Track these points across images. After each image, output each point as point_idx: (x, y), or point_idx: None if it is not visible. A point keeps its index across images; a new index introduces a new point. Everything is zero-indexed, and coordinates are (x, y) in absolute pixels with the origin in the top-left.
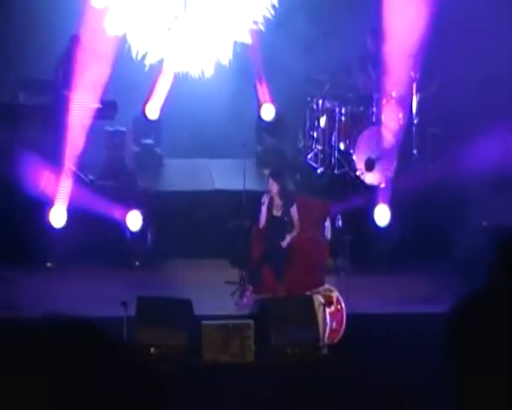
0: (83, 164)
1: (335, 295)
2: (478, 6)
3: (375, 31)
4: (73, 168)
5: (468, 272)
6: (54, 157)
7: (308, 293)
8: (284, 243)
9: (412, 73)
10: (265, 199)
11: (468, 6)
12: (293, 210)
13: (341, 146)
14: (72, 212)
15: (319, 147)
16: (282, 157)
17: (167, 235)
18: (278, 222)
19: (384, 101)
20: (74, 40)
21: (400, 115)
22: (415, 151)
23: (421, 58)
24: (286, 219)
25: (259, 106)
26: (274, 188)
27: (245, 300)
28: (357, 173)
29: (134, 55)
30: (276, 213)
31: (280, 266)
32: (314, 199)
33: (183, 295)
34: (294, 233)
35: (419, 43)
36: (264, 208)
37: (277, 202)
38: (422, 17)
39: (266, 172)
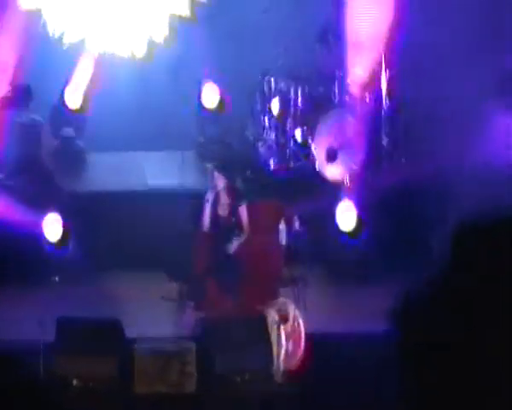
0: None
1: (292, 310)
2: None
3: None
4: None
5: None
6: None
7: (260, 308)
8: (231, 249)
9: (382, 48)
10: (210, 196)
11: None
12: (242, 209)
13: (298, 134)
14: None
15: (272, 136)
16: (228, 149)
17: (92, 244)
18: (225, 223)
19: (348, 80)
20: None
21: (367, 97)
22: (385, 139)
23: (394, 28)
24: (234, 219)
25: (200, 88)
26: (220, 182)
27: (185, 319)
28: (317, 167)
29: (51, 33)
30: (223, 212)
31: (227, 277)
32: (265, 200)
33: (112, 315)
34: (243, 237)
35: (391, 11)
36: (207, 207)
37: (224, 199)
38: None
39: (209, 166)
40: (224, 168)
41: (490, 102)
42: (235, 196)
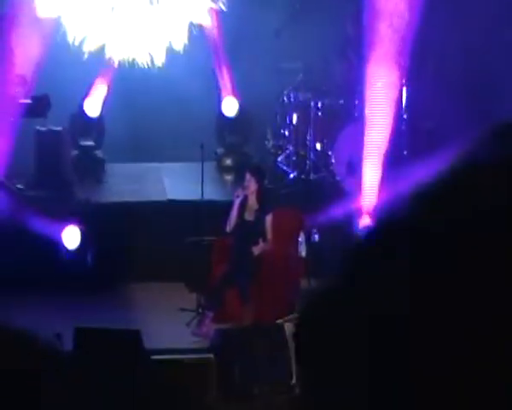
0: (9, 171)
1: None
2: None
3: (358, 11)
4: None
5: None
6: None
7: (279, 321)
8: (256, 251)
9: (401, 61)
10: (240, 193)
11: None
12: (269, 219)
13: (318, 146)
14: None
15: (291, 148)
16: (247, 160)
17: (111, 254)
18: (249, 229)
19: (368, 93)
20: None
21: (387, 109)
22: (405, 152)
23: (413, 42)
24: (259, 227)
25: (220, 100)
26: (251, 186)
27: (204, 329)
28: (337, 179)
29: (70, 41)
30: (249, 217)
31: (246, 286)
32: (287, 209)
33: (130, 326)
34: (266, 246)
35: (410, 25)
36: (235, 206)
37: (252, 203)
38: None
39: (227, 177)
40: (257, 170)
41: None
42: (265, 202)
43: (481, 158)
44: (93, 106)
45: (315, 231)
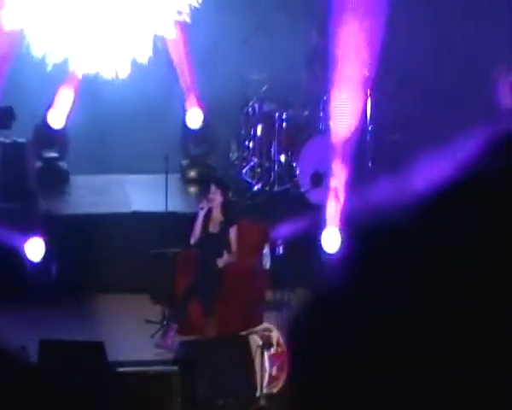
0: None
1: (276, 335)
2: None
3: (323, 23)
4: None
5: None
6: None
7: (243, 333)
8: (220, 263)
9: (366, 72)
10: (204, 205)
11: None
12: (233, 231)
13: (282, 158)
14: None
15: (256, 159)
16: (211, 172)
17: (75, 266)
18: (214, 241)
19: (333, 104)
20: None
21: (352, 121)
22: (369, 163)
23: (378, 53)
24: (223, 239)
25: (185, 111)
26: (217, 198)
27: (168, 341)
28: (302, 191)
29: (34, 53)
30: (213, 229)
31: (210, 299)
32: (251, 221)
33: (95, 338)
34: (231, 258)
35: (375, 36)
36: (200, 218)
37: (217, 215)
38: (377, 6)
39: (192, 189)
40: (223, 182)
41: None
42: (230, 215)
43: (485, 170)
44: (57, 117)
45: (279, 243)
